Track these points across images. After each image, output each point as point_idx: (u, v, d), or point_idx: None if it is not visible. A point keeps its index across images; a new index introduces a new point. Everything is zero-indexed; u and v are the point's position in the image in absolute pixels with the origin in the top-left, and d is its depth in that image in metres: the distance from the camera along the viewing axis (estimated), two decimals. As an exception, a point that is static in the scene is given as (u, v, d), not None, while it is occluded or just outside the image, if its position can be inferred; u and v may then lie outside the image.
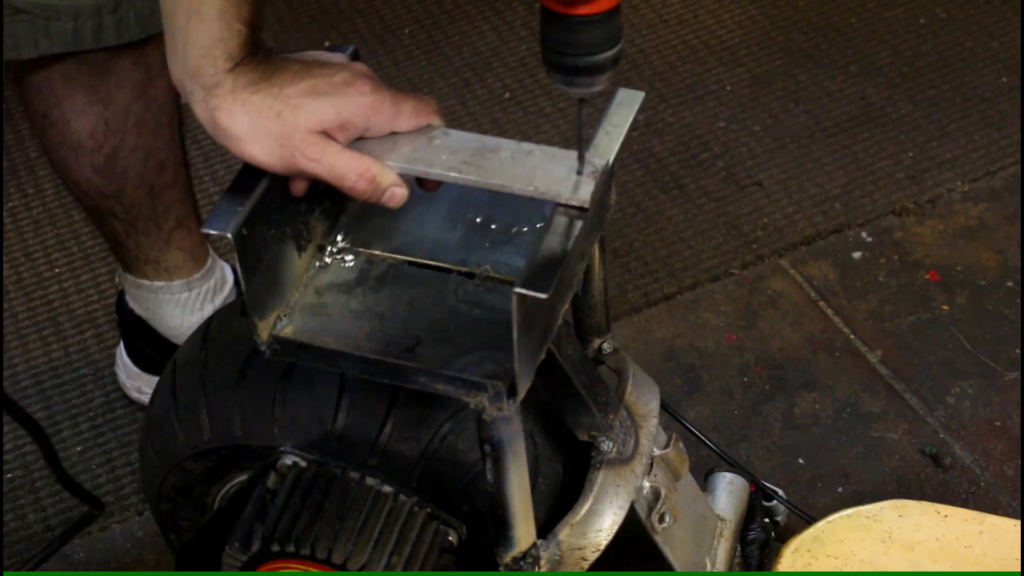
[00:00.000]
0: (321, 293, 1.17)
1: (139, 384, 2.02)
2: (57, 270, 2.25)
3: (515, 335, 1.04)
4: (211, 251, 1.94)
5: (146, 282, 1.89)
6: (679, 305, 2.18)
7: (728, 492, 1.64)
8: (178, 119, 1.79)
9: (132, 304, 1.95)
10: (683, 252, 2.25)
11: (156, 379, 1.96)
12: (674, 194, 2.35)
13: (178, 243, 1.86)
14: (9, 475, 1.95)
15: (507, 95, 2.53)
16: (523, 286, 1.00)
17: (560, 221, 1.07)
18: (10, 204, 2.35)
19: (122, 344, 2.03)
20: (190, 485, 1.39)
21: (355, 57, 1.15)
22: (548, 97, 2.51)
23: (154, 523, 1.88)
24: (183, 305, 1.92)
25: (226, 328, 1.35)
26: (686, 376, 2.07)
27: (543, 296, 1.01)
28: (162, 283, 1.89)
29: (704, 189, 2.35)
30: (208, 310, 1.94)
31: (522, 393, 1.09)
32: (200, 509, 1.41)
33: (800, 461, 1.96)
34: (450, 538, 1.23)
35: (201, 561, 1.37)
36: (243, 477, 1.33)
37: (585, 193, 1.08)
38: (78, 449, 1.99)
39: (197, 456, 1.35)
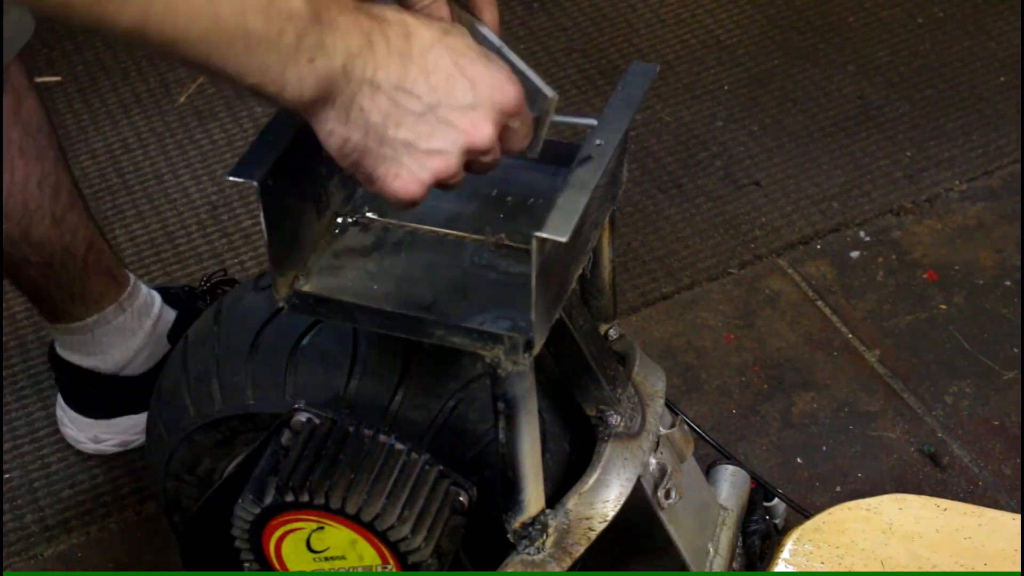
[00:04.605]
0: (338, 256, 1.20)
1: (95, 433, 1.94)
2: (55, 270, 2.25)
3: (533, 282, 1.06)
4: (127, 270, 1.85)
5: (77, 323, 1.80)
6: (677, 305, 2.18)
7: (730, 483, 1.65)
8: (55, 136, 1.68)
9: (69, 356, 1.86)
10: (681, 252, 2.26)
11: (112, 422, 1.93)
12: (672, 194, 2.35)
13: (95, 268, 1.76)
14: (7, 475, 1.95)
15: (505, 95, 2.52)
16: (543, 230, 1.03)
17: (578, 177, 1.08)
18: (8, 205, 2.35)
19: (63, 401, 1.94)
20: (198, 459, 1.41)
21: None
22: (546, 97, 2.51)
23: (154, 523, 1.89)
24: (121, 331, 1.83)
25: (238, 303, 1.37)
26: (684, 375, 2.07)
27: (563, 239, 1.02)
28: (94, 316, 1.80)
29: (702, 189, 2.35)
30: (145, 329, 1.85)
31: (537, 347, 1.11)
32: (206, 485, 1.42)
33: (798, 460, 1.96)
34: (461, 499, 1.25)
35: (208, 538, 1.37)
36: (250, 449, 1.35)
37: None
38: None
39: (207, 427, 1.37)
